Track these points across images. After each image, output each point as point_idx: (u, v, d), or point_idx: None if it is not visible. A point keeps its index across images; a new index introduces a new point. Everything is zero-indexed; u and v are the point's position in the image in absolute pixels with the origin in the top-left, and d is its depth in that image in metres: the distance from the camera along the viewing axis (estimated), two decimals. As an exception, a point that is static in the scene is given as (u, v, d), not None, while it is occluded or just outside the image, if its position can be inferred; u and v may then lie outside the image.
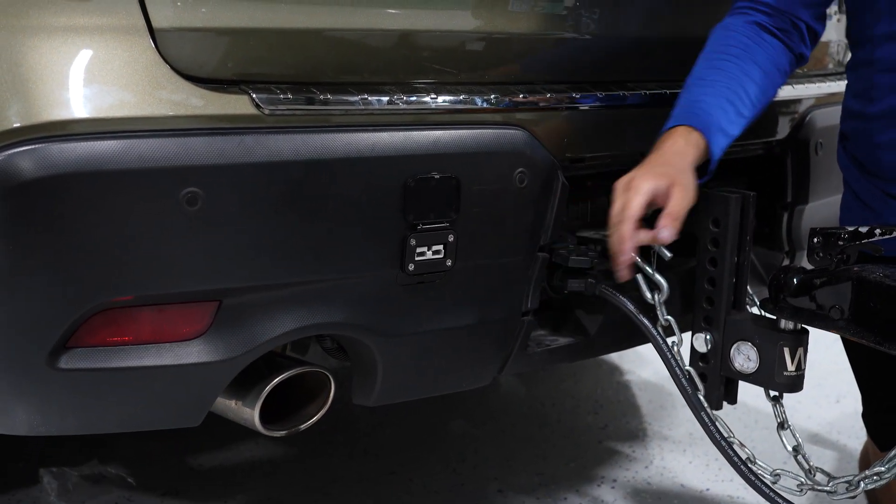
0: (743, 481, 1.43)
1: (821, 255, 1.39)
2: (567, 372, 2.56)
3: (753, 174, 1.76)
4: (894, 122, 1.50)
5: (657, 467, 2.06)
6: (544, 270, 1.39)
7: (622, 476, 2.02)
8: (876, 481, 1.38)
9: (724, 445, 1.39)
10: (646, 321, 1.39)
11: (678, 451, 2.12)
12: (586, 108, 1.39)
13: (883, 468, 1.36)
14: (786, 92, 1.72)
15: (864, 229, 1.38)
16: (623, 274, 1.33)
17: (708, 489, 1.96)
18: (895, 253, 1.49)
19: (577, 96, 1.38)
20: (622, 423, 2.30)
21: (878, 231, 1.38)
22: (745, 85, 1.44)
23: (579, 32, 1.40)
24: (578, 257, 1.40)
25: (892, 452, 1.35)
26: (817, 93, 1.78)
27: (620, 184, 1.32)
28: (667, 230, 1.30)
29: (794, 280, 1.39)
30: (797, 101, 1.75)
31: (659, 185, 1.31)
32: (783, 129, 1.73)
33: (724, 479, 1.98)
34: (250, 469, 1.98)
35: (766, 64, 1.47)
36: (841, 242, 1.38)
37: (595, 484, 1.99)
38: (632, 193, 1.30)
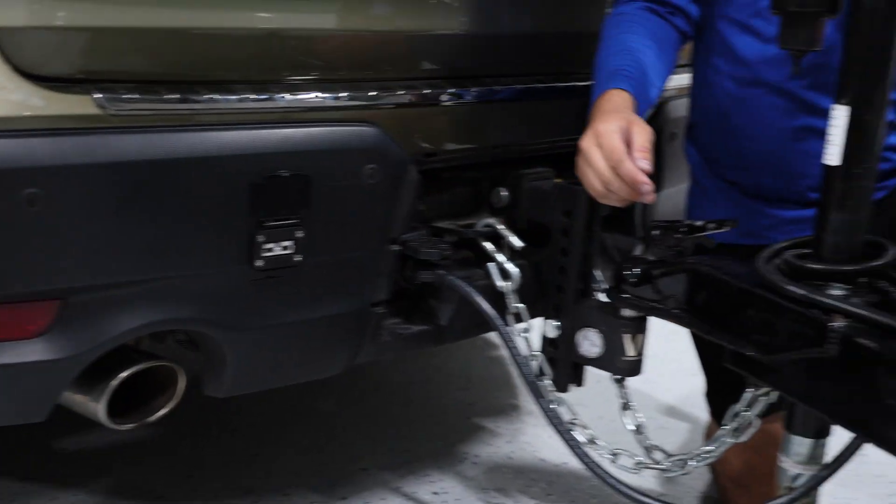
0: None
1: (660, 247, 1.47)
2: (439, 348, 2.62)
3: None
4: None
5: (519, 442, 2.14)
6: (396, 262, 1.43)
7: (485, 451, 2.10)
8: (705, 459, 1.47)
9: (560, 430, 1.46)
10: (491, 311, 1.44)
11: (540, 425, 2.20)
12: (439, 103, 1.43)
13: (711, 447, 1.45)
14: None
15: (699, 223, 1.46)
16: (651, 196, 1.35)
17: (565, 462, 2.04)
18: (734, 241, 1.59)
19: (430, 92, 1.41)
20: (490, 400, 2.37)
21: (710, 225, 1.46)
22: (652, 57, 1.52)
23: (431, 29, 1.43)
24: (429, 250, 1.44)
25: (719, 433, 1.44)
26: (668, 85, 1.84)
27: (587, 141, 1.36)
28: (643, 161, 1.34)
29: (635, 271, 1.46)
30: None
31: (621, 125, 1.35)
32: (638, 120, 1.79)
33: (581, 453, 2.07)
34: (115, 452, 1.98)
35: (664, 41, 1.56)
36: (678, 235, 1.46)
37: (458, 460, 2.05)
38: (606, 139, 1.33)
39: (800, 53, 1.27)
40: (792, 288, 1.21)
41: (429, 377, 2.48)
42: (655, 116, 1.81)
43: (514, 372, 2.52)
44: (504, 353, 2.64)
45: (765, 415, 1.42)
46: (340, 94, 1.31)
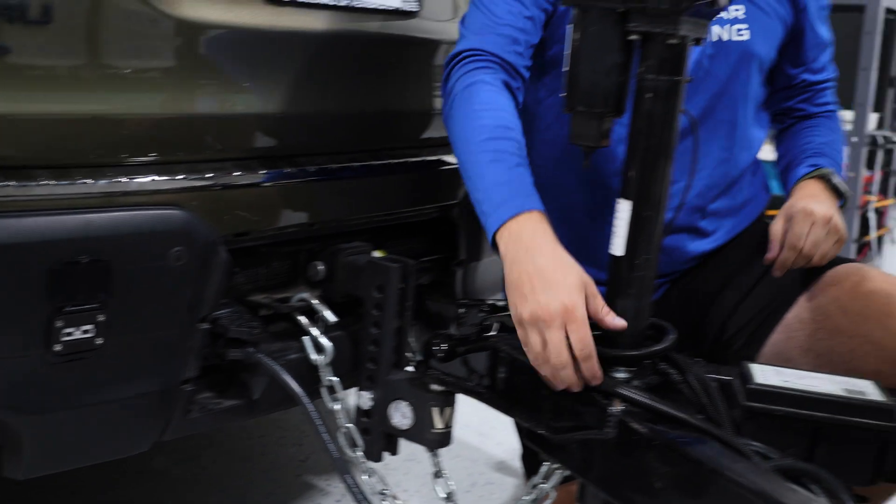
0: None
1: (465, 324, 1.53)
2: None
3: (431, 234, 1.88)
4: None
5: (349, 501, 2.16)
6: (206, 340, 1.45)
7: (314, 511, 2.12)
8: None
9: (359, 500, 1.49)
10: (297, 388, 1.47)
11: (372, 483, 2.24)
12: (249, 183, 1.45)
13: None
14: (459, 159, 1.87)
15: (501, 302, 1.53)
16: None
17: (394, 521, 2.08)
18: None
19: (239, 174, 1.44)
20: (322, 456, 2.39)
21: (511, 306, 1.53)
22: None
23: (240, 110, 1.46)
24: (239, 328, 1.46)
25: (524, 496, 1.50)
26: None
27: (549, 313, 1.25)
28: (615, 320, 1.30)
29: (441, 347, 1.52)
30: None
31: (581, 294, 1.28)
32: (457, 192, 1.86)
33: (410, 511, 2.12)
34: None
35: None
36: (481, 314, 1.52)
37: (288, 519, 2.07)
38: (577, 326, 1.25)
39: (589, 149, 1.35)
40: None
41: (266, 432, 2.48)
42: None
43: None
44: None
45: (567, 480, 1.49)
46: (146, 178, 1.32)
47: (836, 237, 1.54)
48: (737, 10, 1.59)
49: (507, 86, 1.53)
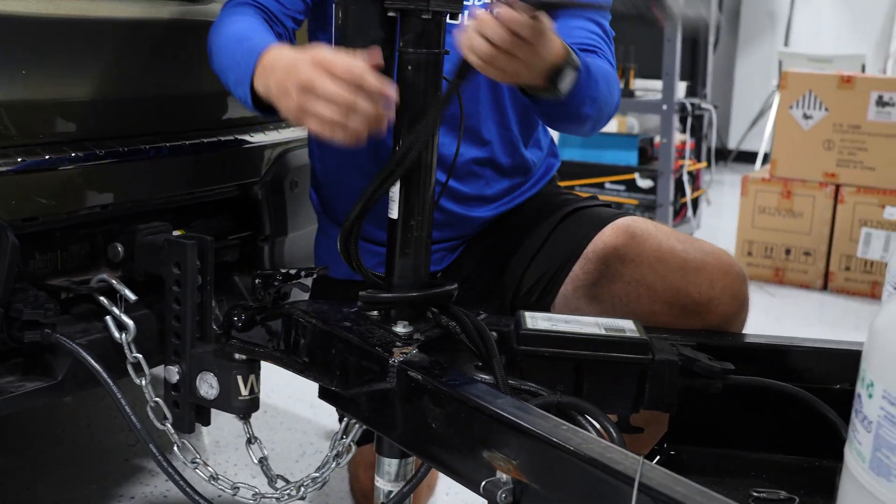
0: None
1: (261, 294, 1.60)
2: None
3: (236, 211, 1.94)
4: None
5: (176, 480, 2.21)
6: (2, 324, 1.47)
7: (141, 492, 2.15)
8: (316, 484, 1.61)
9: (170, 472, 1.55)
10: (96, 366, 1.51)
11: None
12: (36, 169, 1.48)
13: (317, 474, 1.60)
14: (259, 137, 1.93)
15: (293, 271, 1.61)
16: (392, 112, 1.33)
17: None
18: (346, 278, 1.74)
19: (22, 160, 1.46)
20: (152, 438, 2.41)
21: (302, 272, 1.61)
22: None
23: (26, 96, 1.49)
24: (33, 310, 1.49)
25: (322, 461, 1.59)
26: (290, 136, 1.99)
27: (306, 74, 1.28)
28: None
29: (240, 317, 1.58)
30: (272, 145, 1.95)
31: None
32: (258, 170, 1.92)
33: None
34: None
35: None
36: (276, 283, 1.60)
37: (115, 502, 2.10)
38: (335, 62, 1.27)
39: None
40: (350, 326, 1.38)
41: (93, 419, 2.49)
42: (274, 167, 1.95)
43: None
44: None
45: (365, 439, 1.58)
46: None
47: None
48: None
49: (267, 23, 1.62)
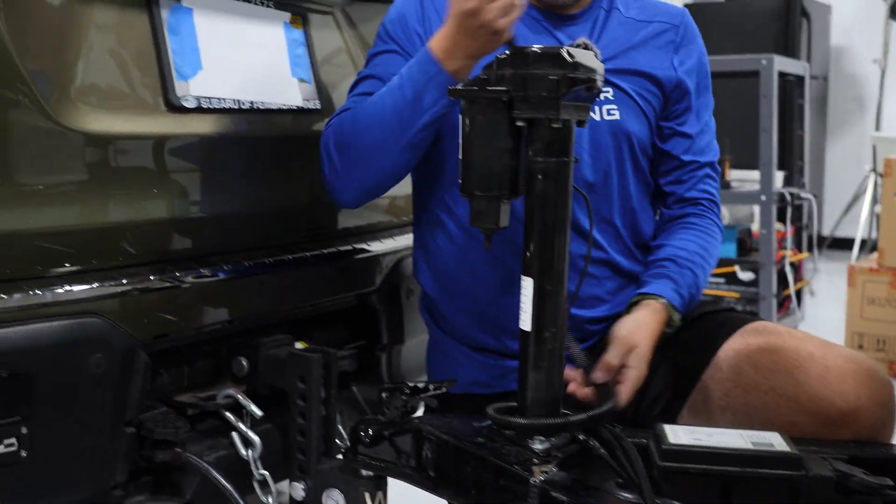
0: None
1: (389, 408, 1.57)
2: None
3: (353, 321, 1.93)
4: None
5: None
6: (133, 444, 1.46)
7: None
8: None
9: None
10: (227, 486, 1.49)
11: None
12: (164, 287, 1.49)
13: None
14: (376, 246, 1.92)
15: (421, 384, 1.58)
16: None
17: None
18: (468, 391, 1.71)
19: (154, 278, 1.47)
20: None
21: (431, 386, 1.58)
22: None
23: (153, 215, 1.51)
24: (164, 429, 1.48)
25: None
26: (405, 244, 1.98)
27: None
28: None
29: (368, 432, 1.55)
30: (388, 254, 1.94)
31: None
32: (376, 279, 1.91)
33: None
34: None
35: None
36: (404, 397, 1.56)
37: None
38: None
39: (489, 231, 1.42)
40: (483, 442, 1.34)
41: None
42: (391, 276, 1.94)
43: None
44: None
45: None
46: (61, 289, 1.35)
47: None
48: (605, 91, 1.67)
49: None
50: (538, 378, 1.39)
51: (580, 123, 1.38)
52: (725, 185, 4.51)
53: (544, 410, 1.39)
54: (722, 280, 4.52)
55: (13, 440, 1.29)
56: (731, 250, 4.56)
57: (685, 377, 1.66)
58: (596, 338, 1.75)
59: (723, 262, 4.51)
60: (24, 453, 1.30)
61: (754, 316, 1.69)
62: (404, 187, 2.03)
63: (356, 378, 1.93)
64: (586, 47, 1.44)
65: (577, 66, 1.31)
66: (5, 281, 1.32)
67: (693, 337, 1.69)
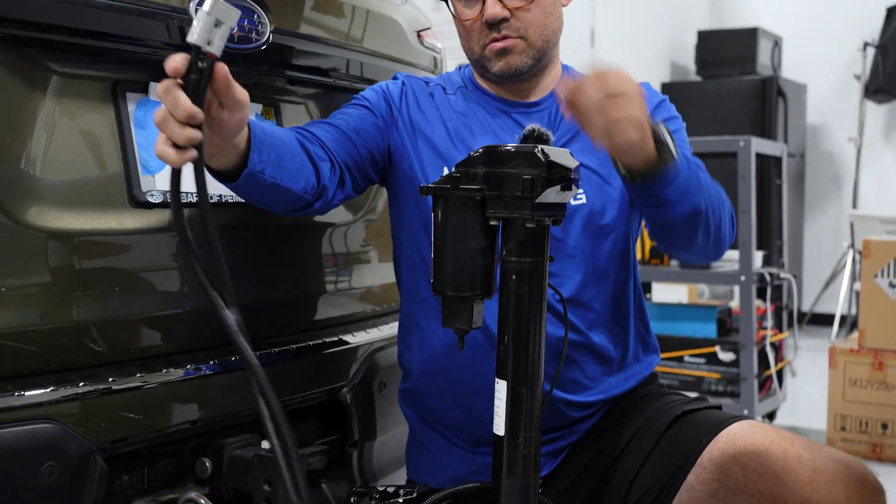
0: None
1: (358, 512, 1.51)
2: None
3: (323, 416, 1.86)
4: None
5: None
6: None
7: None
8: None
9: None
10: None
11: None
12: (125, 388, 1.43)
13: None
14: (349, 338, 1.87)
15: (391, 489, 1.52)
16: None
17: None
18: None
19: (112, 379, 1.41)
20: None
21: (401, 491, 1.52)
22: (284, 149, 1.49)
23: (116, 314, 1.46)
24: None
25: None
26: (379, 336, 1.93)
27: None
28: None
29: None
30: (359, 347, 1.89)
31: None
32: (346, 374, 1.86)
33: None
34: None
35: (300, 157, 1.54)
36: (372, 501, 1.50)
37: None
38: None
39: (462, 332, 1.37)
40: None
41: None
42: (363, 369, 1.88)
43: None
44: None
45: None
46: (12, 394, 1.29)
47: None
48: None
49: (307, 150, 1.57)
50: (513, 484, 1.33)
51: (555, 222, 1.35)
52: (705, 265, 4.49)
53: (519, 520, 1.33)
54: (702, 360, 4.47)
55: (-42, 556, 1.22)
56: (711, 330, 4.52)
57: (669, 478, 1.61)
58: (579, 429, 1.70)
59: (703, 343, 4.48)
60: (-32, 569, 1.23)
61: (739, 416, 1.65)
62: (380, 276, 2.00)
63: (326, 475, 1.86)
64: (537, 133, 1.40)
65: (552, 165, 1.28)
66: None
67: (677, 435, 1.65)
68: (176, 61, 1.22)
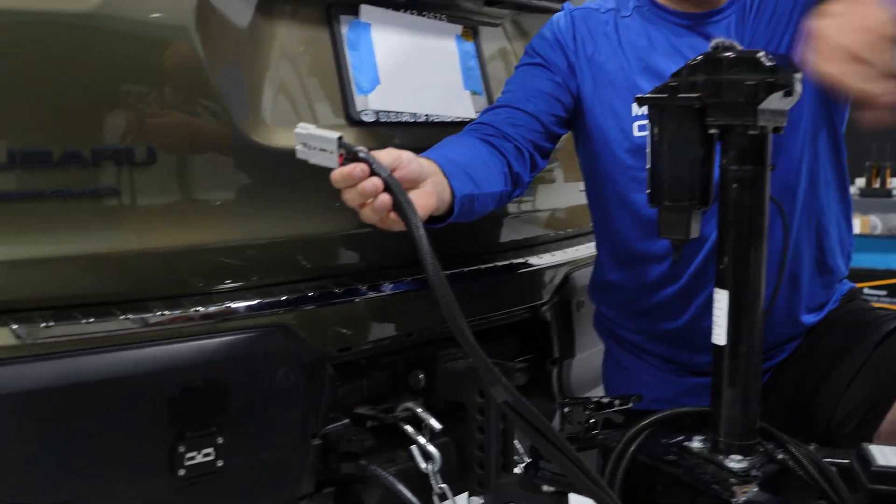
0: None
1: (571, 423, 1.53)
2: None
3: (525, 334, 1.90)
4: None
5: None
6: (319, 455, 1.47)
7: None
8: None
9: None
10: (412, 499, 1.48)
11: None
12: (348, 300, 1.49)
13: None
14: (547, 259, 1.89)
15: (605, 399, 1.53)
16: None
17: None
18: (646, 407, 1.66)
19: (339, 291, 1.48)
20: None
21: (616, 402, 1.53)
22: (474, 162, 1.51)
23: (335, 230, 1.52)
24: (349, 442, 1.49)
25: None
26: (575, 256, 1.95)
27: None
28: None
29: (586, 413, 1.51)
30: (559, 266, 1.91)
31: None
32: (546, 293, 1.88)
33: None
34: None
35: (489, 158, 1.56)
36: (587, 412, 1.53)
37: None
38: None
39: (679, 242, 1.37)
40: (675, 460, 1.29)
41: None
42: (561, 288, 1.90)
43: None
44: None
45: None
46: (251, 302, 1.37)
47: None
48: None
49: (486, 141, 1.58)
50: (734, 395, 1.33)
51: (776, 130, 1.32)
52: (887, 192, 4.31)
53: (739, 429, 1.33)
54: (883, 293, 4.33)
55: (210, 450, 1.31)
56: (893, 261, 4.36)
57: (881, 394, 1.57)
58: (789, 347, 1.68)
59: (885, 274, 4.32)
60: (220, 463, 1.32)
61: None
62: (573, 198, 2.00)
63: (526, 392, 1.90)
64: (723, 48, 1.34)
65: (775, 70, 1.26)
66: (197, 294, 1.35)
67: (889, 351, 1.60)
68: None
